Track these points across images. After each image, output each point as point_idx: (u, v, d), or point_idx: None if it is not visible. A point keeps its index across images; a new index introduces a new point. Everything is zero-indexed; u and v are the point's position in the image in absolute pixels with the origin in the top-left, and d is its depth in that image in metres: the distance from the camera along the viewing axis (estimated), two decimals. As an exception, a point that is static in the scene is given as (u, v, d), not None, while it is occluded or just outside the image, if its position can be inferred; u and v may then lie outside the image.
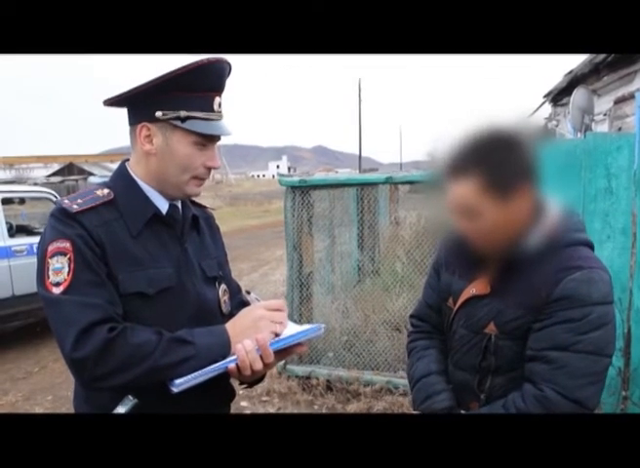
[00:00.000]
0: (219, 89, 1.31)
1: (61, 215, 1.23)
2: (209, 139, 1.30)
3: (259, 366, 1.22)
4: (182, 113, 1.25)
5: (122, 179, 1.34)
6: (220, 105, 1.31)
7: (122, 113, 1.35)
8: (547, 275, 1.27)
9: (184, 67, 1.23)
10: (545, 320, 1.26)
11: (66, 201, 1.26)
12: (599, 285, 1.25)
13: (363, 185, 4.61)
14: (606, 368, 1.27)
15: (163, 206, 1.34)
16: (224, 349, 1.23)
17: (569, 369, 1.23)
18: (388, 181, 4.18)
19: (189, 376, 1.16)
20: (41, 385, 4.87)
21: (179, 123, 1.26)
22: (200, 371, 1.18)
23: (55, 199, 6.34)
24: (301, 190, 4.25)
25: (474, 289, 1.40)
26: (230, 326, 1.28)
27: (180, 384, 1.16)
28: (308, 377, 4.21)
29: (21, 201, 7.10)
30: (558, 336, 1.24)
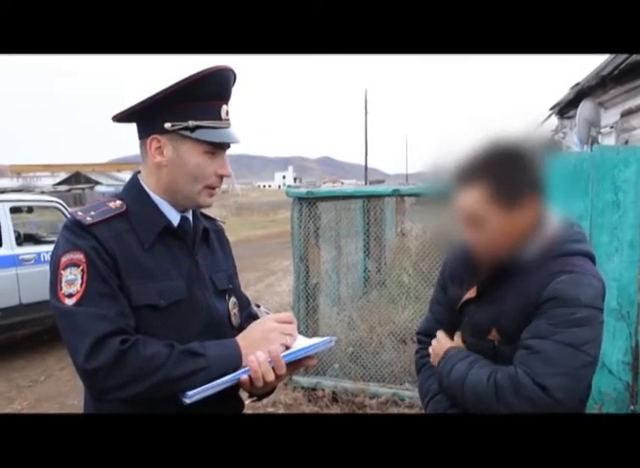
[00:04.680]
0: (225, 97, 1.32)
1: (75, 227, 1.24)
2: (219, 148, 1.31)
3: (271, 377, 1.23)
4: (191, 123, 1.26)
5: (134, 191, 1.35)
6: (227, 113, 1.33)
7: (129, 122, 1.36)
8: (539, 280, 1.30)
9: (190, 78, 1.24)
10: (534, 319, 1.29)
11: (80, 213, 1.27)
12: (587, 289, 1.28)
13: (370, 197, 4.63)
14: (585, 365, 1.27)
15: (174, 218, 1.35)
16: (235, 361, 1.23)
17: (543, 355, 1.25)
18: (395, 194, 4.19)
19: (201, 388, 1.17)
20: (47, 394, 4.88)
21: (188, 133, 1.27)
22: (212, 383, 1.18)
23: (62, 208, 6.38)
24: (308, 201, 4.26)
25: (468, 293, 1.44)
26: (241, 338, 1.29)
27: (192, 396, 1.16)
28: (314, 389, 4.20)
29: (30, 210, 7.15)
30: (540, 328, 1.27)
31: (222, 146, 1.32)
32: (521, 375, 1.26)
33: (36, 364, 5.68)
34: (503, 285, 1.37)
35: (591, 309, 1.27)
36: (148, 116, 1.28)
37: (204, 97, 1.27)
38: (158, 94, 1.25)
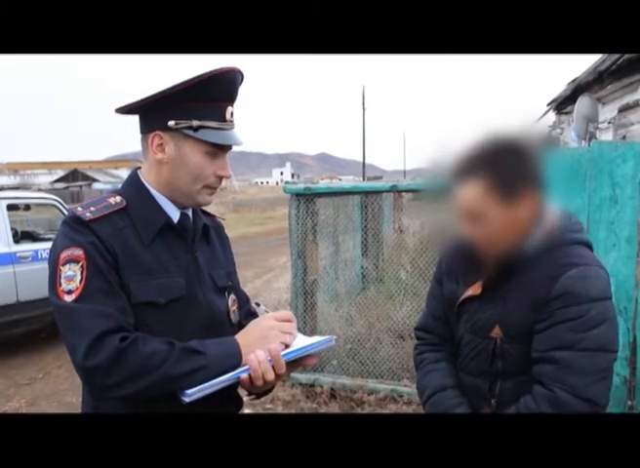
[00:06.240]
0: (231, 98, 1.32)
1: (74, 223, 1.23)
2: (220, 149, 1.31)
3: (271, 376, 1.22)
4: (195, 123, 1.26)
5: (134, 187, 1.34)
6: (232, 115, 1.32)
7: (127, 120, 1.35)
8: (545, 274, 1.30)
9: (197, 77, 1.24)
10: (546, 320, 1.28)
11: (79, 209, 1.27)
12: (595, 281, 1.28)
13: (367, 193, 4.63)
14: (613, 361, 1.28)
15: (174, 214, 1.34)
16: (235, 359, 1.23)
17: (576, 367, 1.24)
18: (393, 189, 4.18)
19: (200, 387, 1.16)
20: (45, 391, 4.87)
21: (191, 132, 1.26)
22: (212, 381, 1.17)
23: (60, 205, 6.36)
24: (306, 198, 4.26)
25: (470, 290, 1.43)
26: (240, 336, 1.28)
27: (192, 394, 1.15)
28: (312, 385, 4.20)
29: (27, 207, 7.13)
30: (561, 336, 1.26)
31: (224, 148, 1.31)
32: (560, 395, 1.24)
33: (34, 361, 5.67)
34: (507, 281, 1.36)
35: (604, 301, 1.28)
36: (153, 112, 1.28)
37: (210, 97, 1.26)
38: (165, 91, 1.24)
